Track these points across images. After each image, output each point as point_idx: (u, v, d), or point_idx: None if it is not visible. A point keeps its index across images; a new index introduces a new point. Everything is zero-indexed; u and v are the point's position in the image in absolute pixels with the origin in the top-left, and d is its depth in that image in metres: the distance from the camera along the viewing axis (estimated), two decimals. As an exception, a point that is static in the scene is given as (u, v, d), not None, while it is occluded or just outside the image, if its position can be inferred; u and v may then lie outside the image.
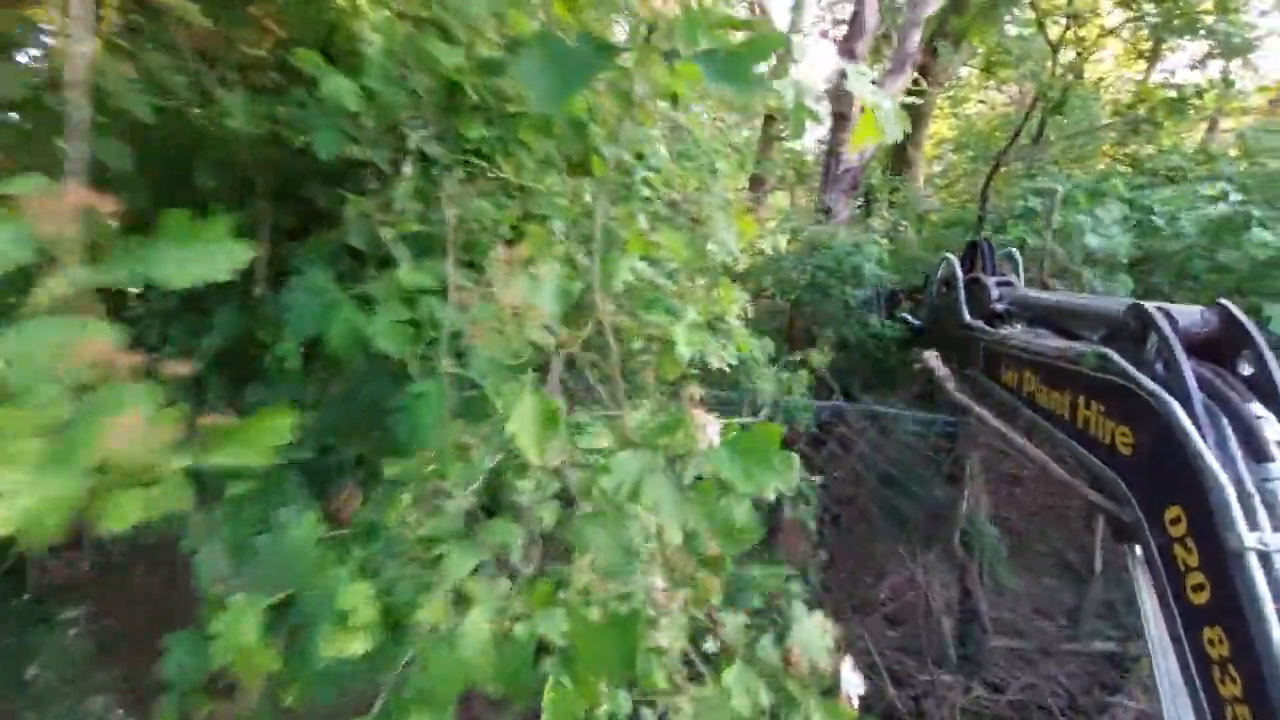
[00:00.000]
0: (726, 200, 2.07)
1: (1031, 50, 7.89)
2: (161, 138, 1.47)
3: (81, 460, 0.66)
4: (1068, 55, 8.76)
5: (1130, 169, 5.40)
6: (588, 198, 1.73)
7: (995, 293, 2.51)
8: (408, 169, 1.36)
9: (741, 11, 9.35)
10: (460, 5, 1.39)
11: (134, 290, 1.80)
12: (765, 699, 1.04)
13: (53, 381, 0.68)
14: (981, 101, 9.91)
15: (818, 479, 3.63)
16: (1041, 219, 3.73)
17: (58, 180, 0.77)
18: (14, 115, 1.39)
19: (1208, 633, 1.30)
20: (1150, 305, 1.56)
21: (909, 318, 3.64)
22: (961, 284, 2.72)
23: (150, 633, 1.24)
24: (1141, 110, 6.35)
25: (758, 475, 0.90)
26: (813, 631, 1.10)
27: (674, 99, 2.99)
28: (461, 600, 0.99)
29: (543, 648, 1.03)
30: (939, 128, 9.63)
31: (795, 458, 0.94)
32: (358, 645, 0.91)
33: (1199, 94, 7.15)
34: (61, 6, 0.97)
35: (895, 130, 1.23)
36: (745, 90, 0.81)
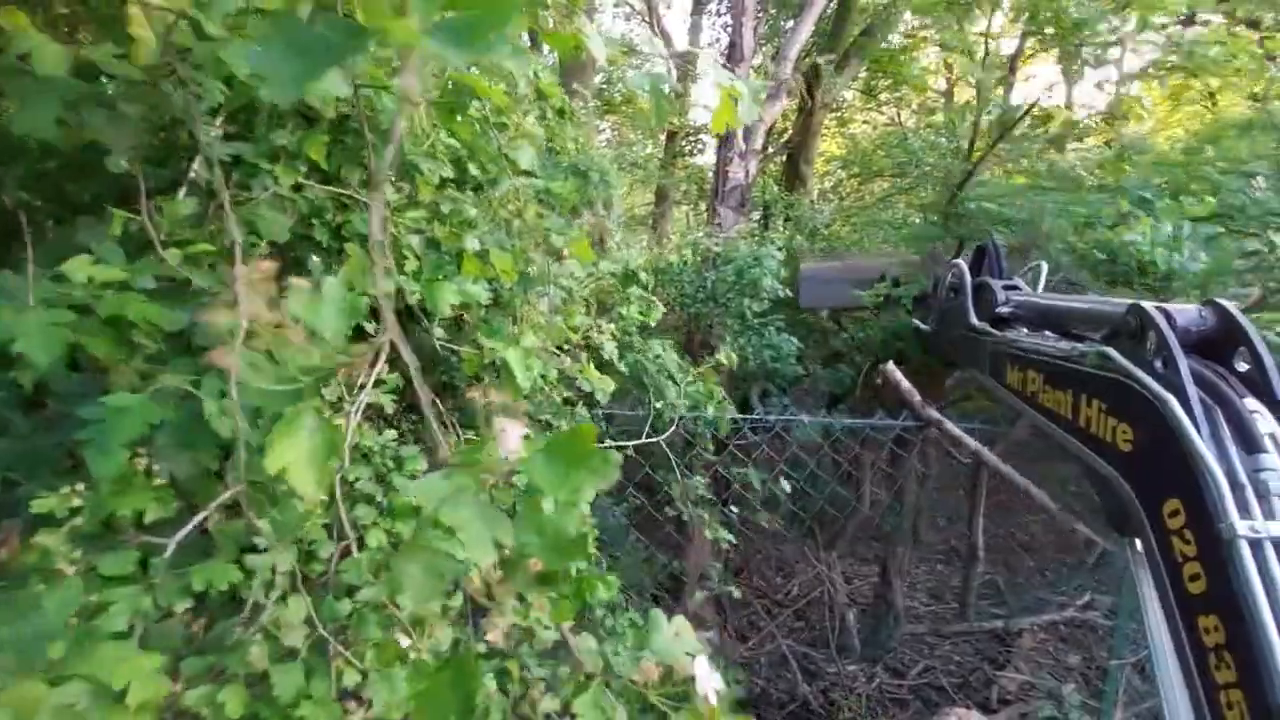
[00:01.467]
0: (567, 224, 2.02)
1: (909, 75, 8.56)
2: None
3: None
4: (938, 82, 9.58)
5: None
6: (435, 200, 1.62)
7: (1001, 296, 2.54)
8: (195, 171, 1.22)
9: (644, 34, 9.57)
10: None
11: None
12: (622, 716, 1.02)
13: None
14: (865, 122, 10.65)
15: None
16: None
17: None
18: None
19: (1203, 621, 1.32)
20: (1149, 304, 1.58)
21: (917, 323, 3.68)
22: (969, 288, 2.74)
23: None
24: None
25: (572, 478, 0.83)
26: (669, 637, 1.10)
27: (560, 113, 3.00)
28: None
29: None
30: (828, 145, 10.25)
31: (614, 455, 0.88)
32: None
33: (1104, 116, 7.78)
34: None
35: (751, 112, 1.29)
36: (480, 51, 0.69)
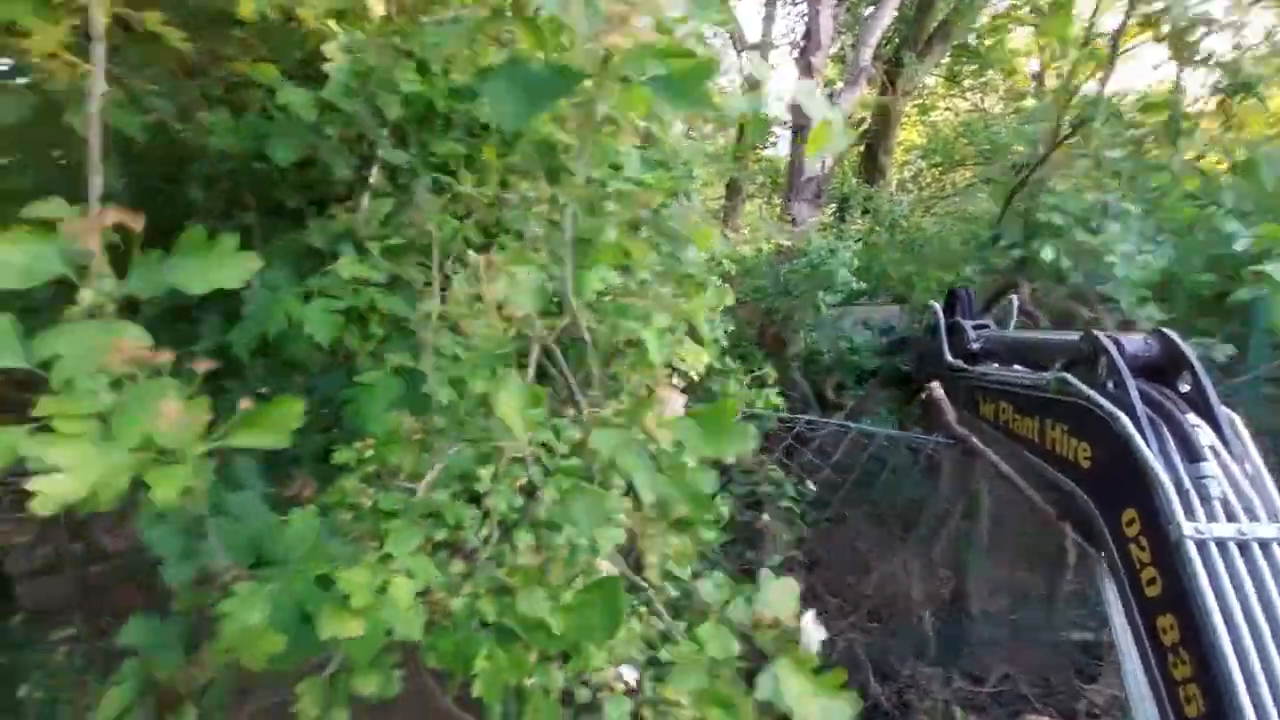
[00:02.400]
0: (688, 211, 2.20)
1: (995, 59, 8.16)
2: (151, 154, 1.55)
3: (126, 441, 0.78)
4: (1032, 66, 9.06)
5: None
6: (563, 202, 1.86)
7: (972, 334, 2.78)
8: (374, 177, 1.47)
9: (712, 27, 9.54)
10: (436, 39, 1.49)
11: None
12: (735, 648, 1.20)
13: (94, 375, 0.80)
14: (947, 109, 10.20)
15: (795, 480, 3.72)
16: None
17: (71, 199, 0.88)
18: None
19: (1160, 621, 1.42)
20: (1100, 333, 1.74)
21: (899, 364, 4.00)
22: (944, 329, 2.97)
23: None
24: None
25: (718, 442, 1.08)
26: (779, 593, 1.21)
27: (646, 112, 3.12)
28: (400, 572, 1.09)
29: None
30: (909, 134, 9.89)
31: (751, 428, 1.12)
32: (356, 628, 1.00)
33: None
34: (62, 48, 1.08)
35: (843, 141, 1.35)
36: (693, 106, 0.96)
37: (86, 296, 0.86)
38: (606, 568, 1.36)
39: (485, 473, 1.31)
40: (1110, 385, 1.67)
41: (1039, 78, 9.29)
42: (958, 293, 3.18)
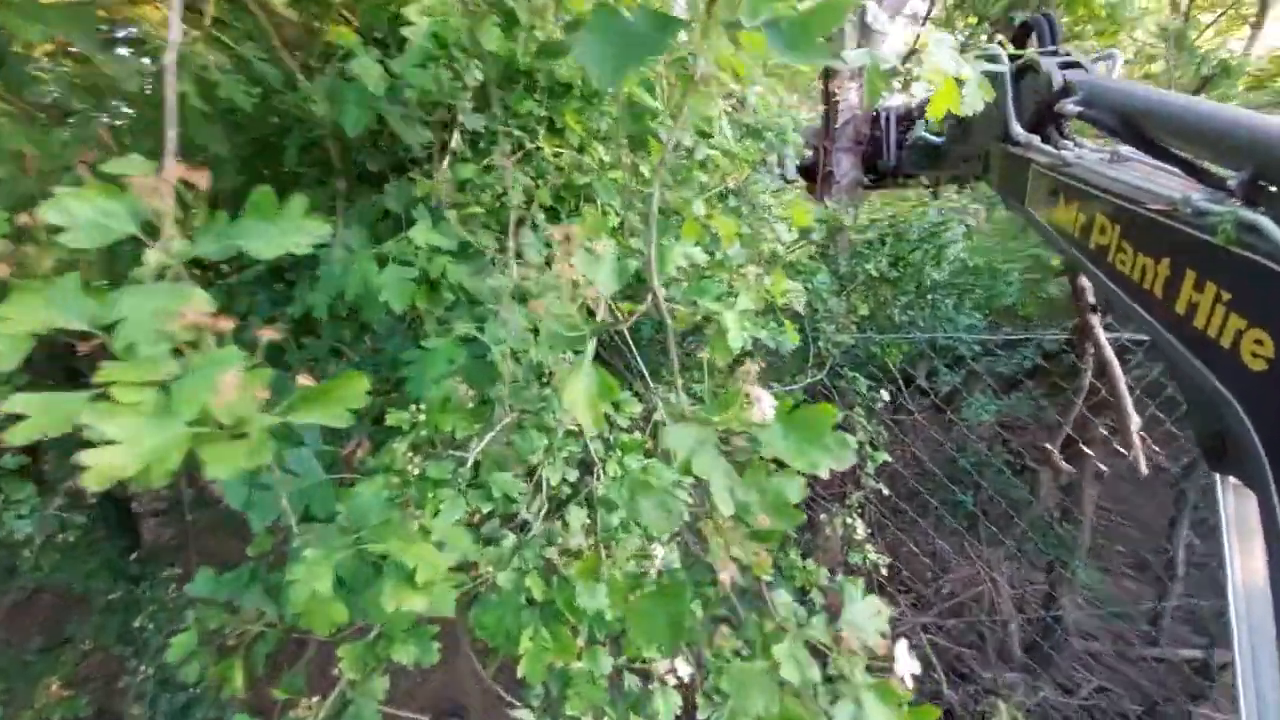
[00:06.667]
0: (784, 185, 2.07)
1: (1123, 17, 7.32)
2: (253, 123, 1.57)
3: (185, 413, 0.71)
4: (1174, 22, 8.08)
5: None
6: (645, 171, 1.76)
7: (1058, 79, 1.58)
8: (454, 142, 1.44)
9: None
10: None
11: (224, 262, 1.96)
12: (815, 674, 1.03)
13: (158, 341, 0.75)
14: (1065, 73, 9.29)
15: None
16: None
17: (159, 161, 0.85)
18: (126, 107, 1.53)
19: None
20: None
21: (928, 136, 2.84)
22: (1008, 81, 1.74)
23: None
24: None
25: (810, 453, 0.88)
26: (865, 613, 1.06)
27: (736, 75, 2.94)
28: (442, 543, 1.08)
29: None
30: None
31: (850, 438, 0.90)
32: (419, 602, 0.98)
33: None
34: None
35: (977, 100, 1.18)
36: (811, 58, 0.76)
37: (152, 257, 0.79)
38: (661, 552, 1.31)
39: (540, 444, 1.28)
40: None
41: (1177, 37, 8.31)
42: (1032, 23, 1.91)
